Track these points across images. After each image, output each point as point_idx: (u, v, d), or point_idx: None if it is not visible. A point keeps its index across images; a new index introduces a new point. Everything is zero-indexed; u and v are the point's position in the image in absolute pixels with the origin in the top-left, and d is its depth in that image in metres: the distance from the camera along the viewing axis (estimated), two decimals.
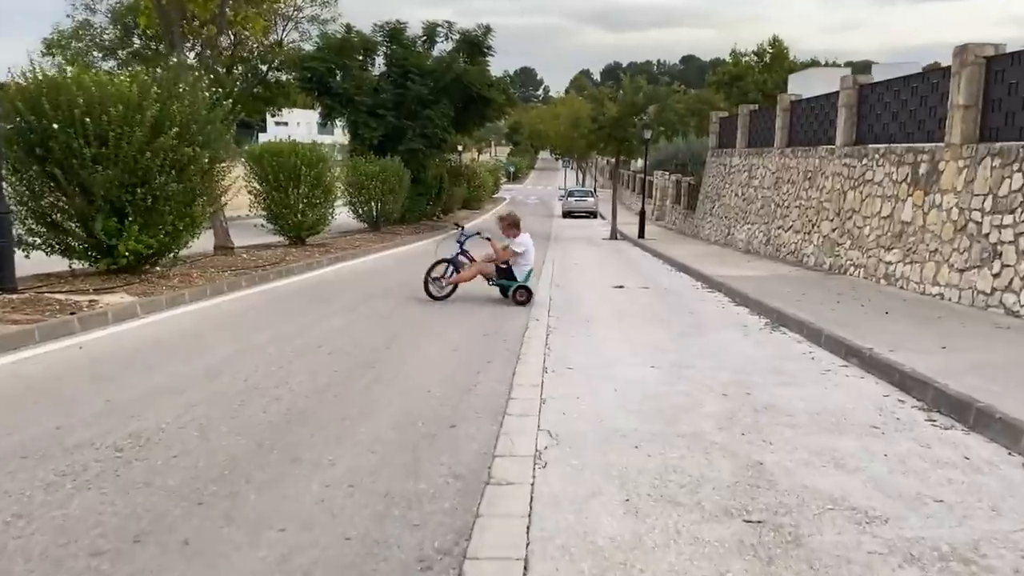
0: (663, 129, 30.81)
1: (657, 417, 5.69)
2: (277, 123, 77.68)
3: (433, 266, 11.54)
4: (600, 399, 6.17)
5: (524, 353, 7.84)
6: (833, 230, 16.39)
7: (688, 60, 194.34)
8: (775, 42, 67.65)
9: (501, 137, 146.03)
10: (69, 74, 10.89)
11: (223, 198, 13.31)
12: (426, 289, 11.36)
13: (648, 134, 29.22)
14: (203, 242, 15.09)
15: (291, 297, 11.68)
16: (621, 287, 14.22)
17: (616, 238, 30.41)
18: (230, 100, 12.49)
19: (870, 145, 15.29)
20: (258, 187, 18.68)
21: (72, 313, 8.59)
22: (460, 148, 54.10)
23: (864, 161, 15.31)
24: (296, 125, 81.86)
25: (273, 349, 7.76)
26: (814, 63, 68.58)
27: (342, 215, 27.62)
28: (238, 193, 14.72)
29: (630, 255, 23.28)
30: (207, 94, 11.82)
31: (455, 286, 11.49)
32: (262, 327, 9.01)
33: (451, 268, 11.48)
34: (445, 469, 4.48)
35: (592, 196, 49.45)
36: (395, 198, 26.05)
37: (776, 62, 65.88)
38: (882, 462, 4.83)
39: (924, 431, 5.57)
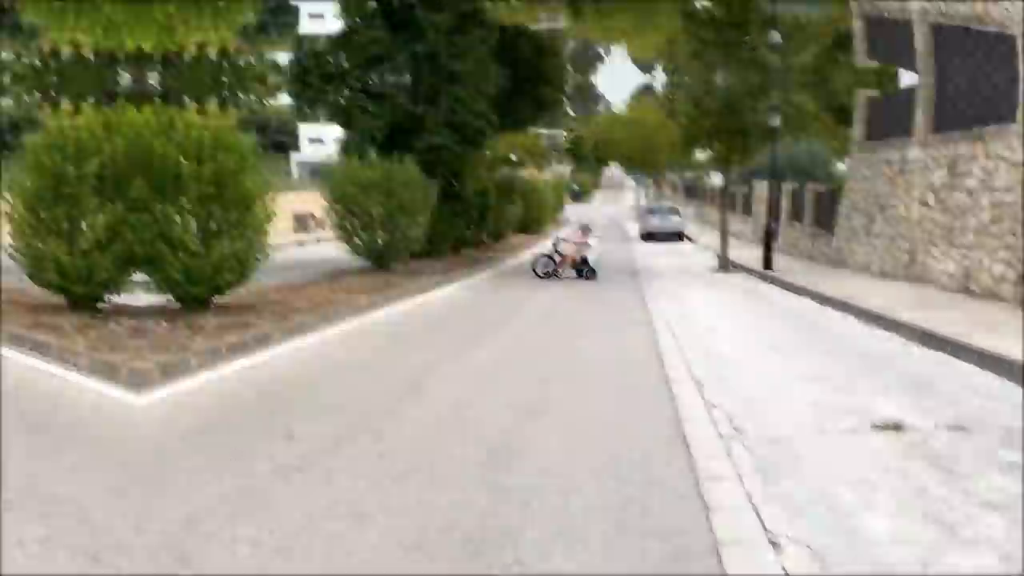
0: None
1: None
2: (311, 140, 69.16)
3: (537, 259, 18.29)
4: None
5: None
6: None
7: None
8: None
9: (562, 156, 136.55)
10: None
11: None
12: (534, 271, 17.80)
13: (777, 120, 20.12)
14: None
15: None
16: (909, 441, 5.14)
17: (728, 269, 21.61)
18: None
19: None
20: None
21: None
22: (513, 158, 45.20)
23: None
24: (334, 142, 72.44)
25: None
26: None
27: (327, 248, 19.07)
28: None
29: (786, 305, 14.11)
30: None
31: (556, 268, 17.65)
32: None
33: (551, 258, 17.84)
34: None
35: (678, 214, 40.19)
36: (411, 221, 17.09)
37: None
38: None
39: None
